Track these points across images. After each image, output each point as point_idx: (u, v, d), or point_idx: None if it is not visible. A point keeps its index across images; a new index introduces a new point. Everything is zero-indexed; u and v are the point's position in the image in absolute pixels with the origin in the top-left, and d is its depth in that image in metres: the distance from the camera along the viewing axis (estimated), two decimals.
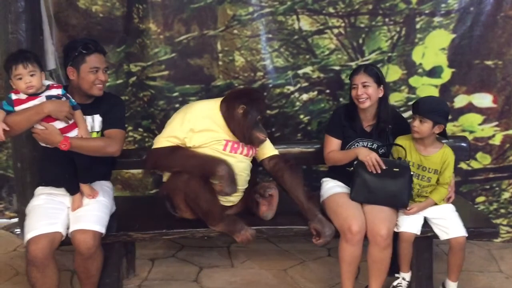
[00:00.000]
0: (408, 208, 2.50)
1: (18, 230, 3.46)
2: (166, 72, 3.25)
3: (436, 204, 2.54)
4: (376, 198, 2.51)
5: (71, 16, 3.23)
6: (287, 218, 2.61)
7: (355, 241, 2.40)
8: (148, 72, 3.26)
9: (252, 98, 2.58)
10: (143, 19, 3.19)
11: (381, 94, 2.65)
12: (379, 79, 2.64)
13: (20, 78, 2.21)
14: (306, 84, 3.26)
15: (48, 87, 2.30)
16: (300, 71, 3.24)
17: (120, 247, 2.57)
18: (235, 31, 3.19)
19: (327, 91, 3.25)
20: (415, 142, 2.56)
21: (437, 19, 3.07)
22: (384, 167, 2.49)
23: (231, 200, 2.60)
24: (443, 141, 2.61)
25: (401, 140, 2.60)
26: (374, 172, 2.50)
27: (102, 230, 2.31)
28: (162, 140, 2.53)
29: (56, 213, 2.34)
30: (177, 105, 3.29)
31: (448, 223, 2.48)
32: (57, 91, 2.31)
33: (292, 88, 3.24)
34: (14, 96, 2.25)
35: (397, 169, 2.51)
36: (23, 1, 3.00)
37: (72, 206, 2.37)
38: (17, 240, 3.37)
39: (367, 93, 2.61)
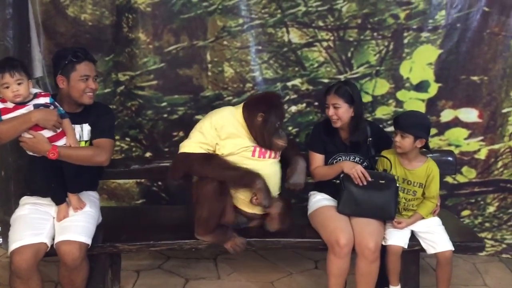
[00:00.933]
0: (396, 222, 2.51)
1: (0, 239, 3.40)
2: (154, 82, 3.24)
3: (423, 218, 2.56)
4: (363, 211, 2.53)
5: (60, 24, 3.20)
6: (277, 231, 2.60)
7: (342, 254, 2.40)
8: (137, 81, 3.25)
9: (270, 105, 2.58)
10: (132, 28, 3.18)
11: (352, 114, 2.67)
12: (351, 99, 2.66)
13: (7, 87, 2.19)
14: (295, 96, 3.27)
15: (36, 96, 2.27)
16: (289, 83, 3.25)
17: (106, 258, 2.54)
18: (225, 42, 3.19)
19: (316, 103, 3.26)
20: (399, 156, 2.59)
21: (424, 34, 3.11)
22: (370, 179, 2.52)
23: (264, 209, 2.59)
24: (428, 155, 2.63)
25: (385, 154, 2.62)
26: (360, 184, 2.52)
27: (88, 241, 2.28)
28: (194, 146, 2.52)
29: (41, 223, 2.30)
30: (165, 115, 3.28)
31: (435, 237, 2.50)
32: (45, 100, 2.28)
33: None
34: (0, 105, 2.22)
35: (383, 181, 2.53)
36: (11, 8, 2.99)
37: (58, 216, 2.33)
38: (0, 250, 3.31)
39: (337, 114, 2.65)
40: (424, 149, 2.58)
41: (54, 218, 2.36)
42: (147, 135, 3.34)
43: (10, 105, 2.22)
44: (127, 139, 3.37)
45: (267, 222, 2.59)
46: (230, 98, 3.25)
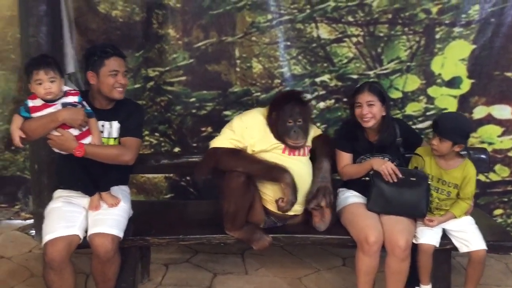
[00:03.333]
0: (428, 220, 2.47)
1: (33, 232, 3.48)
2: (183, 78, 3.27)
3: (455, 217, 2.51)
4: (393, 208, 2.49)
5: (91, 21, 3.25)
6: (304, 227, 2.59)
7: (372, 252, 2.37)
8: (166, 77, 3.28)
9: (282, 102, 2.55)
10: (162, 24, 3.22)
11: (384, 113, 2.62)
12: (383, 97, 2.62)
13: (40, 83, 2.22)
14: (323, 92, 3.25)
15: (65, 94, 2.30)
16: (318, 79, 3.24)
17: (136, 251, 2.57)
18: (254, 38, 3.19)
19: (344, 99, 3.24)
20: (435, 155, 2.53)
21: (457, 29, 3.05)
22: (400, 176, 2.48)
23: (296, 209, 2.55)
24: (462, 152, 2.58)
25: (420, 152, 2.57)
26: (391, 181, 2.48)
27: (120, 234, 2.31)
28: (223, 141, 2.53)
29: (74, 216, 2.34)
30: (193, 111, 3.30)
31: (468, 236, 2.45)
32: (74, 99, 2.31)
33: (309, 96, 3.23)
34: (30, 103, 2.26)
35: (414, 178, 2.49)
36: (45, 5, 3.04)
37: (90, 206, 2.38)
38: (32, 241, 3.39)
39: (372, 112, 2.59)
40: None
41: (87, 210, 2.40)
42: (176, 130, 3.37)
43: (39, 102, 2.25)
44: (156, 134, 3.41)
45: (316, 221, 2.54)
46: (258, 94, 3.26)
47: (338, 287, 2.91)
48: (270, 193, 2.53)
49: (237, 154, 2.49)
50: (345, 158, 2.69)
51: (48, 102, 2.25)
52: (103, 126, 2.44)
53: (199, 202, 3.18)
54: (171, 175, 3.45)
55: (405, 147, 2.67)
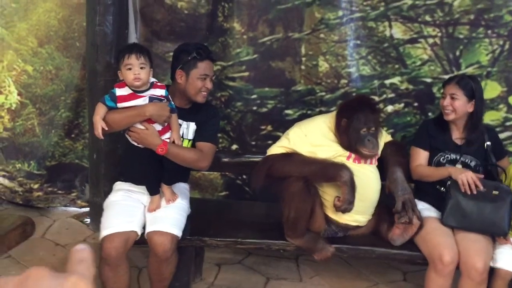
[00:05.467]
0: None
1: (88, 220, 3.49)
2: (246, 73, 3.17)
3: None
4: (471, 224, 2.29)
5: (157, 11, 3.20)
6: (369, 239, 2.44)
7: (446, 272, 2.19)
8: (228, 72, 3.19)
9: (354, 109, 2.39)
10: (227, 18, 3.12)
11: (471, 109, 2.44)
12: (472, 93, 2.43)
13: (130, 69, 2.15)
14: (392, 95, 3.06)
15: (152, 85, 2.23)
16: (387, 81, 3.05)
17: (192, 251, 2.50)
18: (322, 35, 3.05)
19: (415, 104, 3.04)
20: None
21: None
22: (481, 188, 2.27)
23: (359, 220, 2.42)
24: None
25: None
26: (469, 192, 2.28)
27: (179, 233, 2.24)
28: (276, 148, 2.43)
29: (133, 211, 2.29)
30: (254, 108, 3.20)
31: None
32: (161, 92, 2.24)
33: (377, 99, 3.05)
34: (118, 92, 2.18)
35: (497, 192, 2.28)
36: None
37: (150, 207, 2.31)
38: (87, 230, 3.39)
39: (453, 105, 2.44)
40: None
41: (145, 206, 2.35)
42: (235, 127, 3.28)
43: (126, 91, 2.18)
44: None
45: (396, 233, 2.37)
46: (323, 94, 3.11)
47: None
48: (330, 199, 2.39)
49: (289, 158, 2.36)
50: (420, 155, 2.52)
51: (136, 92, 2.19)
52: (180, 125, 2.36)
53: (256, 203, 3.06)
54: (227, 172, 3.36)
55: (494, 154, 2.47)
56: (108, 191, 2.56)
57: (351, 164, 2.37)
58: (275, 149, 2.43)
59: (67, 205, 3.69)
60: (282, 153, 2.39)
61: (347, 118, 2.37)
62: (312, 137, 2.41)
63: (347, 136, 2.37)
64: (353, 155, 2.40)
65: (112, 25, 3.03)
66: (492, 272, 2.25)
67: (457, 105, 2.42)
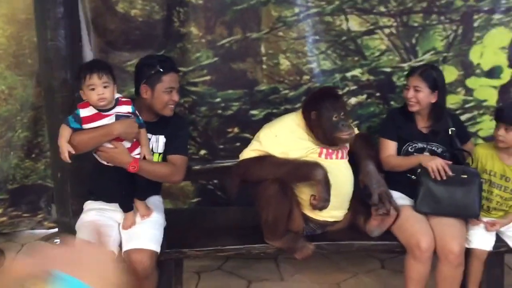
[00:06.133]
0: (490, 225, 2.32)
1: (57, 241, 3.38)
2: (208, 77, 3.12)
3: None
4: (444, 209, 2.36)
5: (109, 21, 3.10)
6: (348, 233, 2.46)
7: (424, 258, 2.24)
8: (189, 77, 3.13)
9: (321, 99, 2.40)
10: (184, 22, 3.06)
11: (434, 100, 2.50)
12: (435, 84, 2.49)
13: (93, 89, 2.07)
14: (354, 87, 3.10)
15: (117, 102, 2.16)
16: (348, 74, 3.08)
17: (171, 264, 2.45)
18: (280, 33, 3.04)
19: (377, 94, 3.09)
20: (498, 150, 2.38)
21: (497, 16, 2.89)
22: (450, 174, 2.33)
23: (336, 215, 2.43)
24: None
25: (482, 148, 2.43)
26: (439, 178, 2.34)
27: (158, 249, 2.20)
28: (249, 152, 2.41)
29: (108, 230, 2.23)
30: (219, 111, 3.16)
31: None
32: (127, 108, 2.17)
33: (339, 92, 3.07)
34: (82, 113, 2.11)
35: (465, 176, 2.35)
36: (62, 7, 2.89)
37: (125, 224, 2.25)
38: None
39: (417, 97, 2.49)
40: None
41: (119, 224, 2.29)
42: (201, 132, 3.23)
43: (91, 112, 2.11)
44: None
45: (373, 224, 2.39)
46: (287, 91, 3.11)
47: None
48: (306, 197, 2.40)
49: (263, 161, 2.36)
50: (389, 146, 2.56)
51: (102, 112, 2.11)
52: (149, 139, 2.31)
53: (230, 208, 3.04)
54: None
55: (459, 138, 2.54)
56: (76, 209, 2.49)
57: (323, 160, 2.38)
58: (247, 153, 2.41)
59: (34, 227, 3.56)
60: (255, 157, 2.38)
61: (315, 110, 2.38)
62: (282, 137, 2.41)
63: (321, 127, 2.37)
64: (324, 151, 2.42)
65: (65, 39, 2.91)
66: (468, 253, 2.32)
67: (420, 97, 2.47)
